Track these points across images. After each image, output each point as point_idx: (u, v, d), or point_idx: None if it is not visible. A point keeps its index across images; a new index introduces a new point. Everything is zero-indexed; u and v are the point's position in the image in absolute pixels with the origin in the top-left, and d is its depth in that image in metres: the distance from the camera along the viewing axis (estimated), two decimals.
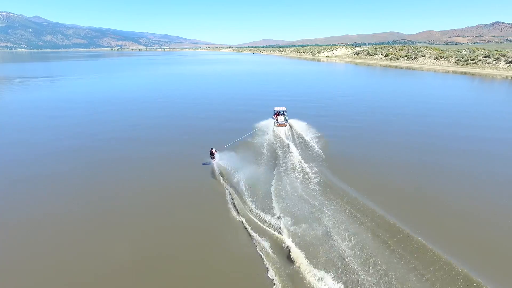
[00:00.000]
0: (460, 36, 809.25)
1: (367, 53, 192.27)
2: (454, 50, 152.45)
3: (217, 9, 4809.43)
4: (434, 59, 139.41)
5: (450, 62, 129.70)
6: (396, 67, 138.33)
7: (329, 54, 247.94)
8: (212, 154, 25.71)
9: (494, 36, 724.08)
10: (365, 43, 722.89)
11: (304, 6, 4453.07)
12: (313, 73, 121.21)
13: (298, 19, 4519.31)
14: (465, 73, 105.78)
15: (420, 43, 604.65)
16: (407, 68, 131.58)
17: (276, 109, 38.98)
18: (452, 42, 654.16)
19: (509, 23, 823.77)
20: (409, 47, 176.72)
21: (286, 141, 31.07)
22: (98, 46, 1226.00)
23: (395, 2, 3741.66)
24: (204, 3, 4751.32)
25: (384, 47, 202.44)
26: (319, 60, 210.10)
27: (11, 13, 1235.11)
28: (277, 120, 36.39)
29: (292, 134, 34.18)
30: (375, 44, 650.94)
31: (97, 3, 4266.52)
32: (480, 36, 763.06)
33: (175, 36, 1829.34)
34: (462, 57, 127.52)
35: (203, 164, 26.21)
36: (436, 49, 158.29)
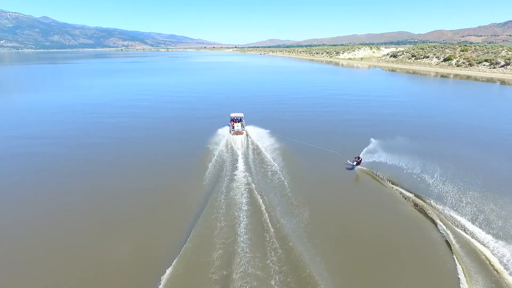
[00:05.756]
0: (474, 35, 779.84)
1: (412, 55, 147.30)
2: None
3: (224, 10, 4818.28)
4: None
5: None
6: (468, 77, 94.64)
7: (350, 55, 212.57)
8: None
9: (510, 35, 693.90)
10: (373, 43, 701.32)
11: (311, 6, 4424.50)
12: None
13: (305, 19, 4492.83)
14: None
15: (431, 42, 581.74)
16: (489, 80, 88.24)
17: (233, 115, 34.55)
18: (465, 42, 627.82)
19: None
20: (475, 47, 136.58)
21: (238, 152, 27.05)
22: (104, 46, 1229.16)
23: (403, 1, 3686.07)
24: (211, 3, 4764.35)
25: (435, 46, 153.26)
26: (337, 64, 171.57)
27: (20, 13, 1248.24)
28: (233, 128, 32.18)
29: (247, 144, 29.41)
30: (385, 44, 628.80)
31: (105, 3, 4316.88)
32: (494, 35, 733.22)
33: (182, 36, 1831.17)
34: None
35: None
36: None
